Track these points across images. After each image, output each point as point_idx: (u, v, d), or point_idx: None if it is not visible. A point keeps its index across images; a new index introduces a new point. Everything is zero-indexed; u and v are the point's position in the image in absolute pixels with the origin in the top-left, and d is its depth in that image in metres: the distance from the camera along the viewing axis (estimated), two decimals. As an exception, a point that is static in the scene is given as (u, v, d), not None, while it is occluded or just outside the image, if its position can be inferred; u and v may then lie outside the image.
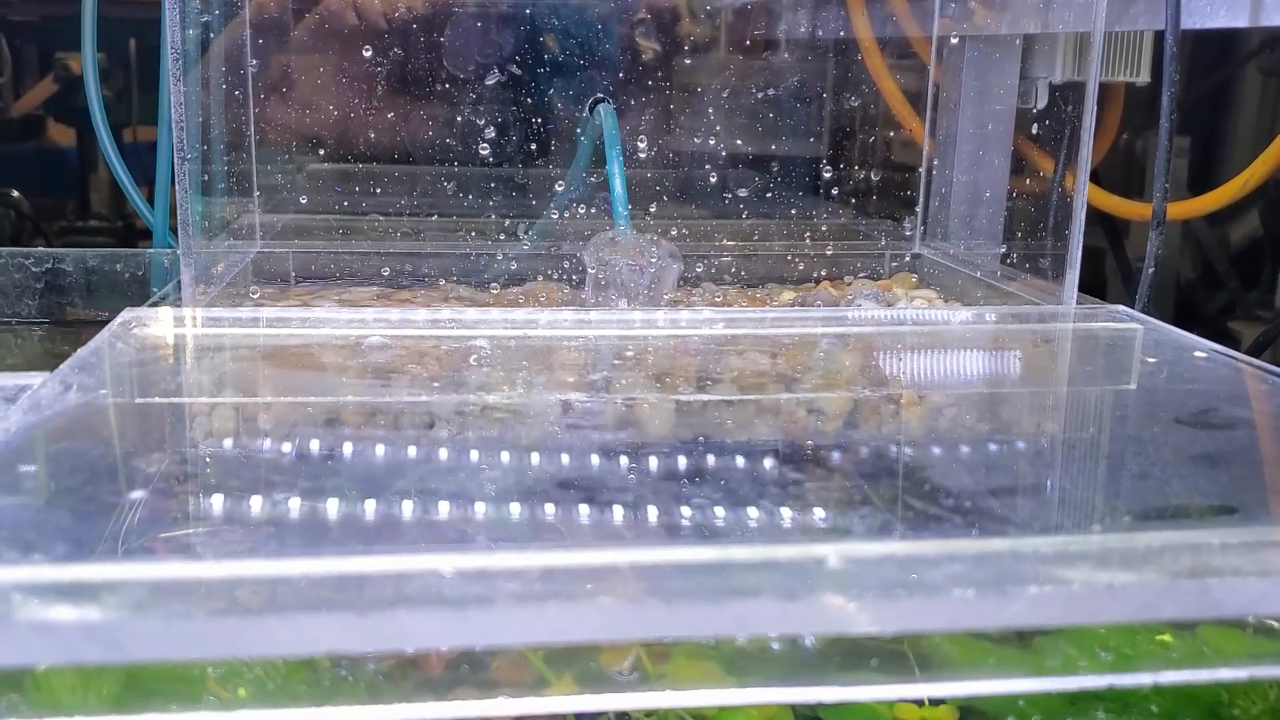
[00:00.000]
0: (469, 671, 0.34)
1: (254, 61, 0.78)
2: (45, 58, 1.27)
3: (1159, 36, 0.75)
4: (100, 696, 0.33)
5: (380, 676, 0.34)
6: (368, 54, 0.81)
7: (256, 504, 0.41)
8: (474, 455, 0.46)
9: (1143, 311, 0.69)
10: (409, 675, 0.34)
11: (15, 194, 1.23)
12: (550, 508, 0.41)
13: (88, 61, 0.83)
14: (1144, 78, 0.81)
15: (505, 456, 0.46)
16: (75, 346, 0.54)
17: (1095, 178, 0.90)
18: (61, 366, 0.51)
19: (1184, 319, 1.06)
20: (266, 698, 0.34)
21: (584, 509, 0.41)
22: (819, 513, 0.41)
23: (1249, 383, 0.55)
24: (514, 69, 0.82)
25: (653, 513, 0.40)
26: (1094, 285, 1.06)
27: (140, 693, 0.33)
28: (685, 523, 0.40)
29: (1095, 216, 0.91)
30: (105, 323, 0.59)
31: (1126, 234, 1.07)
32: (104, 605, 0.30)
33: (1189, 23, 0.71)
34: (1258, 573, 0.34)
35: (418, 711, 0.35)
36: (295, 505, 0.41)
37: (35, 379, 0.49)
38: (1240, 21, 0.72)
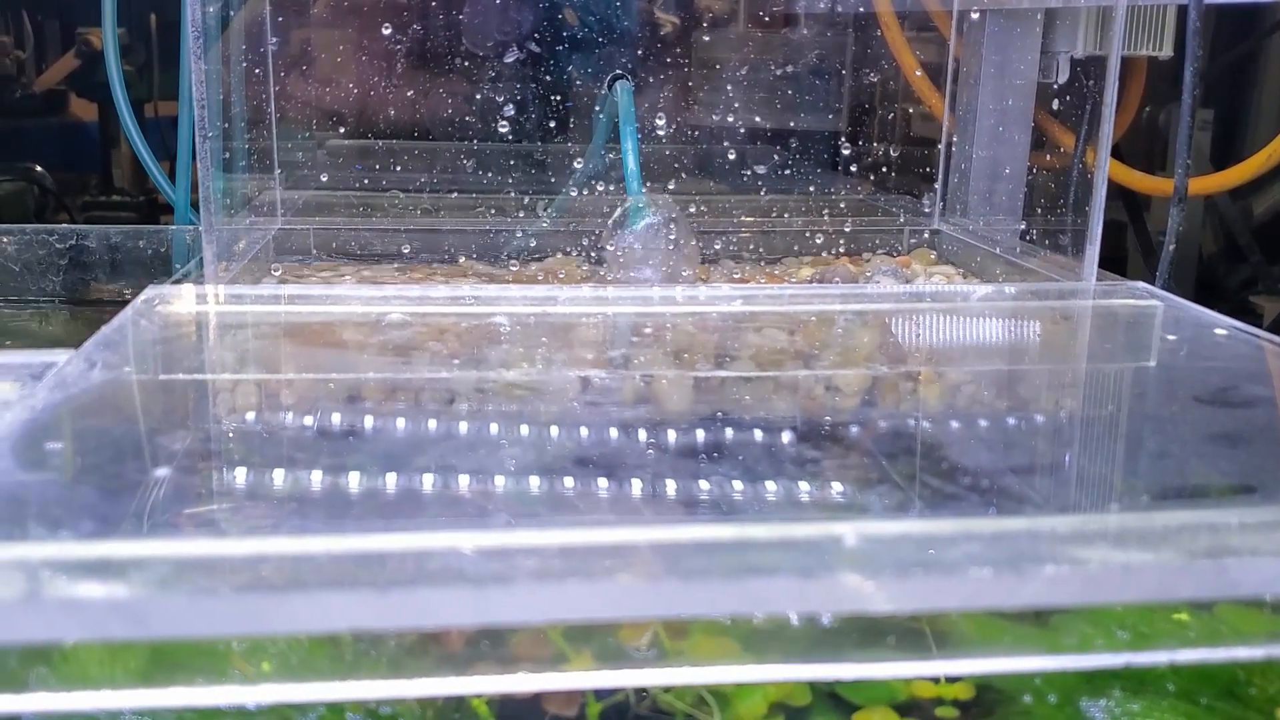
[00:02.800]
0: (489, 647, 0.35)
1: (274, 38, 0.78)
2: (66, 32, 1.27)
3: (1182, 10, 0.74)
4: (127, 670, 0.34)
5: (401, 651, 0.35)
6: (387, 31, 0.81)
7: (279, 480, 0.42)
8: (494, 431, 0.46)
9: (1164, 287, 0.68)
10: (430, 651, 0.35)
11: (38, 169, 1.23)
12: (569, 484, 0.41)
13: (108, 36, 0.84)
14: (1166, 52, 0.80)
15: (525, 432, 0.46)
16: (99, 324, 0.54)
17: (1116, 152, 0.89)
18: (86, 344, 0.51)
19: (1206, 293, 1.06)
20: (290, 672, 0.34)
21: (603, 485, 0.41)
22: (837, 490, 0.42)
23: (1270, 360, 0.55)
24: (533, 46, 0.82)
25: (671, 489, 0.41)
26: (1115, 260, 1.06)
27: (166, 667, 0.34)
28: (703, 499, 0.40)
29: (1116, 191, 0.91)
30: (128, 300, 0.60)
31: (1148, 208, 1.06)
32: (130, 581, 0.31)
33: (1212, -4, 0.71)
34: (1275, 552, 0.34)
35: (439, 686, 0.35)
36: (318, 481, 0.41)
37: (60, 356, 0.49)
38: (1264, -5, 0.71)
